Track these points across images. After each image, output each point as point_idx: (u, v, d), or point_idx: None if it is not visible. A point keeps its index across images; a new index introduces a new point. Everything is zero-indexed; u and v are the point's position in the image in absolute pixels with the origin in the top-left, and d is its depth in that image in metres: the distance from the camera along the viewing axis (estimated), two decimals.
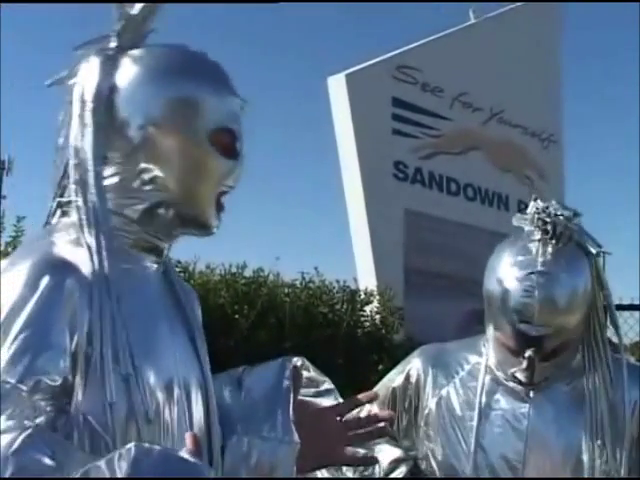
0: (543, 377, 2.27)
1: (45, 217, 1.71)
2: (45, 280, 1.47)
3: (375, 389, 2.55)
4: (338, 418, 1.84)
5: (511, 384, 2.34)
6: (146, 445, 1.28)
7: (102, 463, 1.25)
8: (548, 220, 2.28)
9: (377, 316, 8.10)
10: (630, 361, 2.52)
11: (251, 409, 1.77)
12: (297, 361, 1.86)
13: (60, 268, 1.51)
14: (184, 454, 1.28)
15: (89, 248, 1.55)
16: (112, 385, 1.48)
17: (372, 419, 1.93)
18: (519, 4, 11.90)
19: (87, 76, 1.65)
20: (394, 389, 2.51)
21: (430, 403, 2.42)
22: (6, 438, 1.28)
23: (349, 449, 1.83)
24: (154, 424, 1.54)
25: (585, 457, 2.25)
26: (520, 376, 2.26)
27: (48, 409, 1.41)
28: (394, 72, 10.10)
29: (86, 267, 1.53)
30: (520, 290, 2.23)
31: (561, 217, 2.29)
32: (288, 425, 1.70)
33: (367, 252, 9.40)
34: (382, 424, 1.92)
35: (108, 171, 1.64)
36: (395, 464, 2.43)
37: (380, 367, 7.31)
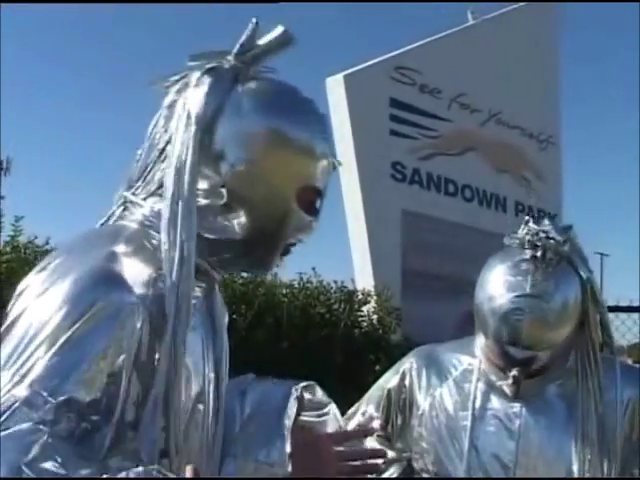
0: (528, 392, 2.29)
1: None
2: (100, 296, 1.44)
3: (370, 390, 2.57)
4: (335, 447, 1.85)
5: (503, 386, 2.36)
6: (153, 473, 1.30)
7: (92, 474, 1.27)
8: (539, 244, 2.29)
9: (374, 316, 8.11)
10: (623, 362, 2.53)
11: (251, 431, 1.77)
12: (303, 386, 1.86)
13: (117, 285, 1.47)
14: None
15: (168, 276, 1.52)
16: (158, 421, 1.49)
17: (368, 453, 1.95)
18: (517, 5, 11.93)
19: (195, 92, 1.62)
20: (389, 390, 2.52)
21: (424, 404, 2.43)
22: (21, 445, 1.30)
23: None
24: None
25: (575, 459, 2.27)
26: (506, 390, 2.29)
27: (71, 422, 1.40)
28: (392, 73, 10.12)
29: (145, 287, 1.50)
30: (509, 311, 2.25)
31: (552, 241, 2.31)
32: (283, 455, 1.69)
33: (365, 253, 9.42)
34: (376, 460, 1.93)
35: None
36: (388, 465, 2.44)
37: (377, 367, 7.32)
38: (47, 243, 6.30)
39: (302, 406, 1.82)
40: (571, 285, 2.31)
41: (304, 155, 1.64)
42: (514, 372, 2.25)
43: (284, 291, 7.56)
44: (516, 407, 2.33)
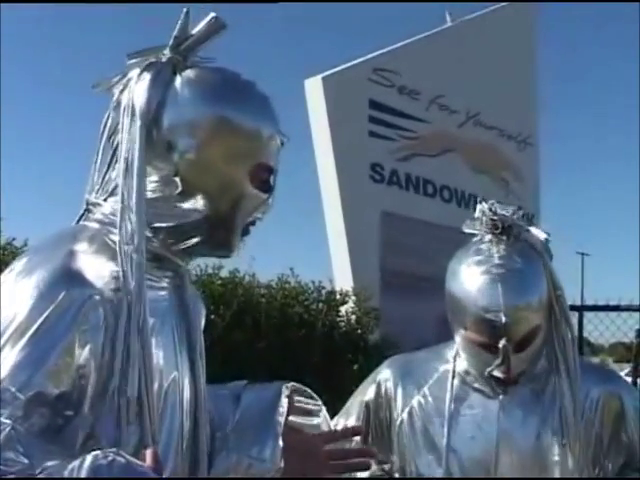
0: (519, 370, 2.29)
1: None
2: (62, 293, 1.47)
3: (348, 403, 2.58)
4: (325, 446, 1.88)
5: (480, 387, 2.37)
6: (109, 457, 1.30)
7: (65, 467, 1.28)
8: (495, 218, 2.34)
9: (353, 316, 8.14)
10: (590, 361, 2.56)
11: (244, 429, 1.81)
12: (293, 386, 1.89)
13: (78, 281, 1.51)
14: (146, 469, 1.31)
15: (122, 269, 1.55)
16: (129, 411, 1.51)
17: (357, 452, 1.99)
18: (495, 7, 11.98)
19: (137, 89, 1.65)
20: (367, 403, 2.52)
21: (402, 414, 2.44)
22: None
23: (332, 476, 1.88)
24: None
25: (554, 456, 2.29)
26: (497, 372, 2.28)
27: (43, 417, 1.43)
28: (371, 75, 10.15)
29: (105, 281, 1.53)
30: (482, 284, 2.27)
31: (506, 213, 2.36)
32: (276, 451, 1.74)
33: (343, 253, 9.44)
34: (365, 459, 1.97)
35: (149, 188, 1.64)
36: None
37: (355, 366, 7.35)
38: (25, 245, 6.30)
39: (292, 405, 1.84)
40: (537, 268, 2.34)
41: (251, 137, 1.67)
42: (502, 342, 2.24)
43: (262, 291, 7.56)
44: (493, 410, 2.34)
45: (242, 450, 1.77)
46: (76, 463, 1.28)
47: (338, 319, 7.97)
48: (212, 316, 6.60)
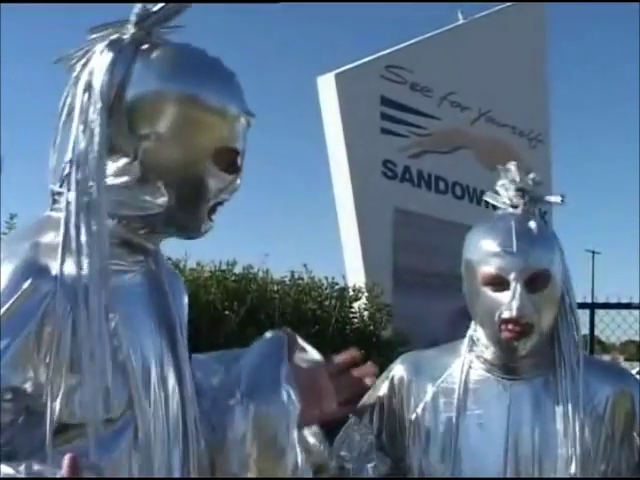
0: (529, 319, 2.29)
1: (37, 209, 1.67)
2: (25, 285, 1.45)
3: (362, 400, 2.60)
4: (329, 377, 1.90)
5: (492, 373, 2.39)
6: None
7: None
8: (521, 188, 2.43)
9: (365, 312, 8.14)
10: (601, 359, 2.58)
11: (253, 379, 1.79)
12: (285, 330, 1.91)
13: (41, 273, 1.48)
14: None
15: (77, 251, 1.52)
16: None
17: (357, 380, 2.01)
18: (507, 5, 11.96)
19: (97, 67, 1.58)
20: (380, 399, 2.53)
21: (415, 410, 2.45)
22: None
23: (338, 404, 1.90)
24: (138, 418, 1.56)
25: (563, 456, 2.30)
26: (507, 313, 2.27)
27: (7, 412, 1.41)
28: (383, 72, 10.15)
29: (70, 271, 1.50)
30: (497, 229, 2.37)
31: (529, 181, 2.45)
32: (290, 393, 1.75)
33: (356, 250, 9.45)
34: (368, 380, 2.01)
35: (111, 172, 1.59)
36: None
37: (368, 363, 7.34)
38: None
39: (294, 347, 1.87)
40: (551, 242, 2.40)
41: (215, 118, 1.62)
42: (513, 274, 2.28)
43: (275, 287, 7.57)
44: (504, 405, 2.36)
45: (259, 398, 1.76)
46: None
47: (351, 315, 7.98)
48: (226, 312, 6.61)
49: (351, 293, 8.18)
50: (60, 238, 1.54)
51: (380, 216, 9.65)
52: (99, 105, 1.57)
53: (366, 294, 8.33)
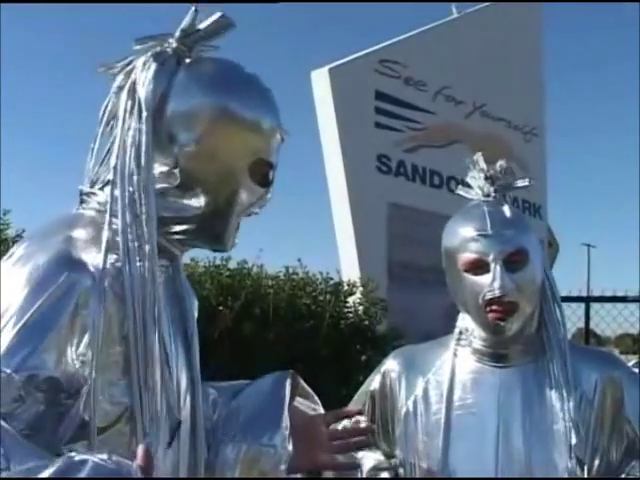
0: (512, 297, 2.31)
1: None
2: (61, 278, 1.47)
3: (356, 395, 2.61)
4: (325, 427, 1.90)
5: (481, 366, 2.40)
6: (79, 457, 1.30)
7: (39, 469, 1.28)
8: (486, 172, 2.47)
9: (360, 307, 8.15)
10: (592, 347, 2.60)
11: (251, 418, 1.82)
12: (293, 372, 1.90)
13: (77, 267, 1.51)
14: (117, 466, 1.29)
15: (125, 252, 1.56)
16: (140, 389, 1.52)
17: (356, 431, 2.02)
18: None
19: (142, 78, 1.64)
20: (372, 393, 2.55)
21: (406, 404, 2.46)
22: None
23: (334, 456, 1.90)
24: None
25: (557, 447, 2.30)
26: (491, 293, 2.31)
27: (37, 402, 1.43)
28: (377, 66, 10.14)
29: (102, 266, 1.53)
30: (471, 214, 2.45)
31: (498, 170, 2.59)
32: (284, 438, 1.76)
33: (350, 244, 9.45)
34: (364, 437, 2.00)
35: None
36: (375, 472, 2.46)
37: (363, 357, 7.36)
38: None
39: (296, 392, 1.86)
40: (524, 224, 2.44)
41: (251, 130, 1.67)
42: (491, 255, 2.32)
43: (270, 282, 7.57)
44: (493, 392, 2.37)
45: (252, 439, 1.78)
46: (49, 463, 1.28)
47: (345, 310, 7.98)
48: (220, 307, 6.61)
49: (346, 288, 8.18)
50: (105, 234, 1.57)
51: (375, 211, 9.65)
52: (145, 114, 1.62)
53: (361, 289, 8.33)
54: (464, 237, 2.39)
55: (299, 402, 1.94)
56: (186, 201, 1.65)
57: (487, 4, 11.82)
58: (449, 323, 2.63)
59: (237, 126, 1.66)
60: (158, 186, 1.64)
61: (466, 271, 2.38)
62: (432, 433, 2.40)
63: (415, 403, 2.45)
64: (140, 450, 1.34)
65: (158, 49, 1.68)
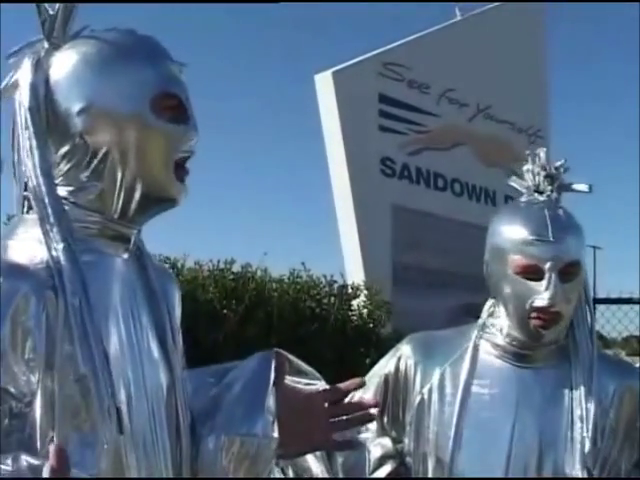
0: (559, 307, 2.27)
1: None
2: None
3: (367, 377, 2.56)
4: (326, 404, 1.83)
5: (501, 362, 2.37)
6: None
7: None
8: (548, 174, 2.42)
9: (364, 310, 8.14)
10: (608, 354, 2.55)
11: (231, 406, 1.74)
12: (277, 351, 1.83)
13: (13, 273, 1.47)
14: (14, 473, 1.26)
15: (51, 257, 1.51)
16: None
17: (358, 406, 1.92)
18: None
19: (22, 80, 1.60)
20: (386, 376, 2.50)
21: (421, 391, 2.43)
22: None
23: (335, 435, 1.82)
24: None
25: (565, 446, 2.28)
26: (540, 301, 2.24)
27: None
28: (381, 69, 10.15)
29: (41, 270, 1.49)
30: (528, 214, 2.32)
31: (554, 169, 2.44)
32: (267, 424, 1.68)
33: (355, 247, 9.45)
34: (368, 411, 1.91)
35: (63, 165, 1.59)
36: (382, 461, 2.43)
37: (368, 360, 7.34)
38: None
39: (284, 365, 1.80)
40: (584, 243, 2.39)
41: (139, 68, 1.61)
42: (549, 263, 2.25)
43: (274, 286, 7.57)
44: (512, 390, 2.34)
45: (231, 429, 1.71)
46: None
47: (350, 313, 7.98)
48: (224, 311, 6.61)
49: (350, 291, 8.18)
50: (38, 235, 1.54)
51: (379, 213, 9.65)
52: (27, 106, 1.59)
53: (365, 292, 8.33)
54: (520, 239, 2.31)
55: (294, 380, 1.86)
56: (107, 171, 1.58)
57: (490, 6, 11.83)
58: (453, 325, 2.60)
59: (126, 77, 1.60)
60: (71, 164, 1.58)
61: (517, 273, 2.33)
62: (444, 424, 2.37)
63: (430, 392, 2.41)
64: (52, 450, 1.27)
65: (32, 57, 1.62)
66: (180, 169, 1.62)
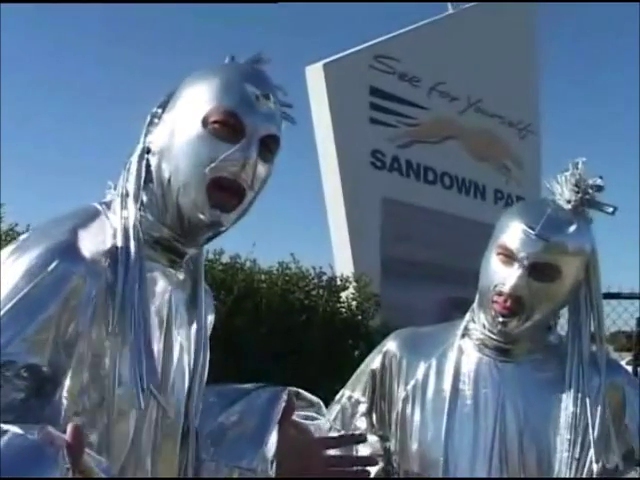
0: (521, 302, 2.28)
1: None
2: (53, 264, 1.46)
3: (355, 374, 2.57)
4: (325, 451, 1.86)
5: (483, 357, 2.38)
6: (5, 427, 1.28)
7: None
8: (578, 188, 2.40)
9: (353, 302, 8.15)
10: (593, 351, 2.56)
11: (236, 439, 1.79)
12: (290, 390, 1.85)
13: (71, 256, 1.49)
14: (38, 441, 1.26)
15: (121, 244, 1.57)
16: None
17: (357, 461, 1.97)
18: None
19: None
20: (373, 372, 2.51)
21: (406, 388, 2.44)
22: None
23: None
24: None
25: (553, 439, 2.30)
26: (502, 287, 2.27)
27: (16, 390, 1.40)
28: (372, 62, 10.16)
29: (101, 258, 1.53)
30: (531, 207, 2.35)
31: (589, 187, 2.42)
32: (266, 462, 1.72)
33: (344, 239, 9.46)
34: (365, 468, 1.94)
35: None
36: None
37: (356, 352, 7.37)
38: (27, 230, 6.28)
39: (291, 410, 1.82)
40: (578, 258, 2.37)
41: (202, 87, 1.67)
42: (522, 253, 2.27)
43: (263, 277, 7.57)
44: (495, 385, 2.35)
45: (232, 461, 1.75)
46: None
47: (339, 305, 7.99)
48: None
49: (339, 283, 8.19)
50: (113, 224, 1.61)
51: (368, 206, 9.66)
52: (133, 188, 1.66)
53: (354, 284, 8.34)
54: (513, 225, 2.34)
55: (300, 412, 1.89)
56: (160, 182, 1.65)
57: (482, 1, 11.83)
58: (442, 318, 2.61)
59: (192, 92, 1.67)
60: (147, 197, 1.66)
61: (497, 254, 2.36)
62: (428, 420, 2.39)
63: (414, 388, 2.43)
64: (69, 427, 1.27)
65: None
66: (217, 191, 1.63)
